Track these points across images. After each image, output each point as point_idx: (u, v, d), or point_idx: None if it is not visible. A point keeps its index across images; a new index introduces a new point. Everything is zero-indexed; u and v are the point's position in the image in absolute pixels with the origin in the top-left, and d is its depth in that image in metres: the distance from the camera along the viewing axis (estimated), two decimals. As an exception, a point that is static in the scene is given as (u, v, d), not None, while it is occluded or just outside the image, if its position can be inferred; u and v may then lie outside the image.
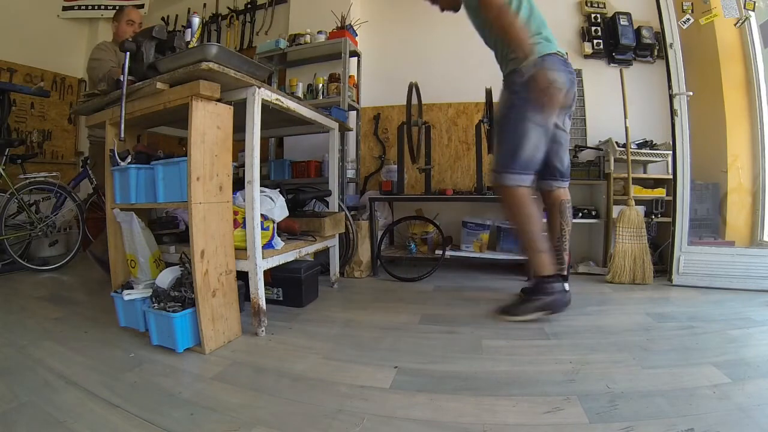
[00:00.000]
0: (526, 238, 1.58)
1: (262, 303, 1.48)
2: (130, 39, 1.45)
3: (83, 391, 1.05)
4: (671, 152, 2.23)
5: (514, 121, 1.55)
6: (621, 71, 2.45)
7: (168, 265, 1.50)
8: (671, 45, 2.17)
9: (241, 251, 1.48)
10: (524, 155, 1.55)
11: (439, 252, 2.45)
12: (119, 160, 1.49)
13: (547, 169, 1.70)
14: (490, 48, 1.72)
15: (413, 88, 2.37)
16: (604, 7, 2.82)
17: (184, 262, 1.40)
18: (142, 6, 3.97)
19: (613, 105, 2.57)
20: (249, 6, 3.65)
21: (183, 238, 1.69)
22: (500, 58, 1.68)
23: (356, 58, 3.02)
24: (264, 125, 1.56)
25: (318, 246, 1.96)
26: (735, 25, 2.28)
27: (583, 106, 2.82)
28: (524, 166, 1.55)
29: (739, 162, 2.38)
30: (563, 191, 1.76)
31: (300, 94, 2.88)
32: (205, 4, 3.84)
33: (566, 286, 1.66)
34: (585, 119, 2.82)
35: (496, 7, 1.47)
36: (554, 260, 1.69)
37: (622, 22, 2.69)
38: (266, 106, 1.57)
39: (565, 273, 1.72)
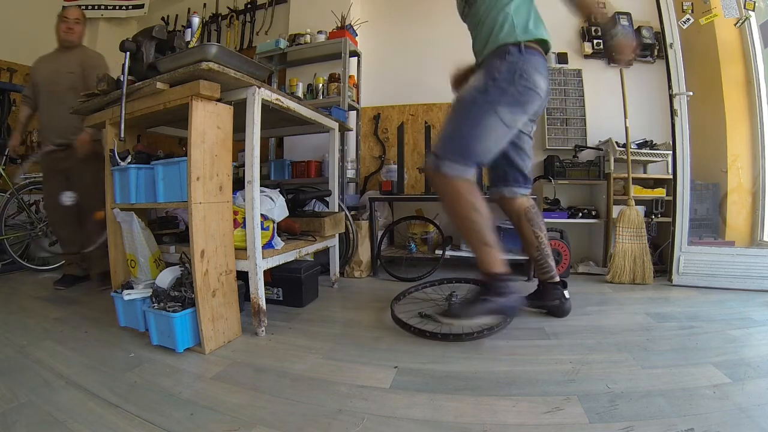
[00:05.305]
0: (468, 227, 1.37)
1: (262, 303, 1.48)
2: (131, 39, 1.46)
3: (83, 391, 1.05)
4: (671, 152, 2.23)
5: (481, 109, 1.35)
6: (621, 71, 2.45)
7: (168, 265, 1.50)
8: (671, 45, 2.17)
9: (241, 251, 1.48)
10: (477, 150, 1.36)
11: (439, 252, 2.45)
12: (119, 160, 1.50)
13: (511, 174, 1.60)
14: (474, 23, 1.52)
15: None
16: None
17: (184, 262, 1.41)
18: (141, 6, 3.97)
19: (613, 105, 2.57)
20: (249, 6, 3.65)
21: (183, 238, 1.69)
22: (485, 34, 1.46)
23: (356, 58, 3.03)
24: (264, 125, 1.56)
25: (318, 246, 1.96)
26: (735, 25, 2.28)
27: (583, 106, 2.82)
28: (471, 160, 1.36)
29: (739, 162, 2.37)
30: (525, 198, 1.63)
31: (300, 94, 2.88)
32: (205, 4, 3.84)
33: (566, 293, 1.62)
34: (585, 119, 2.82)
35: None
36: (542, 270, 1.63)
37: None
38: (266, 106, 1.57)
39: (557, 279, 1.63)
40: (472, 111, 1.36)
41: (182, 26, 3.81)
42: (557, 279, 1.64)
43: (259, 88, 1.47)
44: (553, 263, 1.64)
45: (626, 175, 2.34)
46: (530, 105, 1.40)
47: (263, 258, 1.50)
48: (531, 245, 1.63)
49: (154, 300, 1.36)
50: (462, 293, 1.66)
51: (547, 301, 1.64)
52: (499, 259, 1.39)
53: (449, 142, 1.38)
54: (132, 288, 1.49)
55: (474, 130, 1.35)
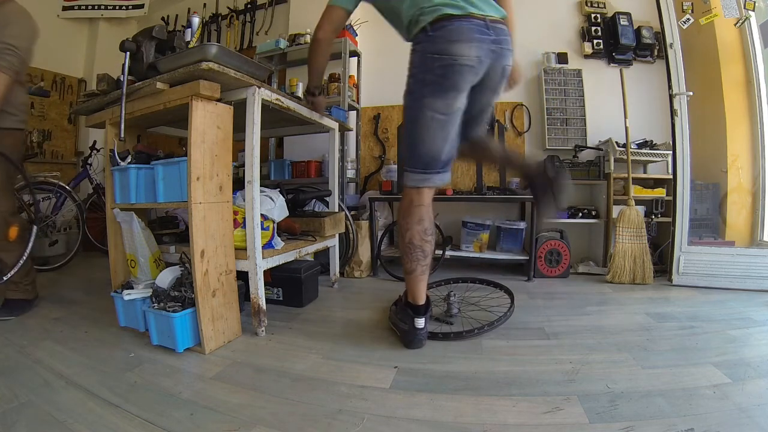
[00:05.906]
0: (401, 250, 1.38)
1: (262, 303, 1.48)
2: (131, 39, 1.45)
3: (83, 391, 1.05)
4: (671, 152, 2.24)
5: (412, 110, 1.30)
6: (621, 71, 2.45)
7: (168, 265, 1.50)
8: (671, 45, 2.17)
9: (241, 251, 1.48)
10: (426, 152, 1.30)
11: (439, 252, 2.45)
12: (119, 160, 1.50)
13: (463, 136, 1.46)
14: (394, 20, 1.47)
15: None
16: (604, 7, 2.82)
17: (184, 262, 1.41)
18: (141, 6, 3.97)
19: (613, 105, 2.57)
20: (249, 6, 3.65)
21: (183, 238, 1.68)
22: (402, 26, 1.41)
23: (356, 58, 3.02)
24: (264, 125, 1.56)
25: (318, 246, 1.96)
26: (735, 25, 2.28)
27: (583, 106, 2.82)
28: (426, 166, 1.31)
29: (739, 162, 2.38)
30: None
31: (300, 94, 2.87)
32: (205, 4, 3.84)
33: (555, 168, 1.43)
34: (585, 119, 2.82)
35: None
36: (512, 165, 1.61)
37: (622, 22, 2.69)
38: (266, 106, 1.57)
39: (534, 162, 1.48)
40: (408, 116, 1.34)
41: (182, 26, 3.80)
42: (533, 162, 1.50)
43: (259, 88, 1.47)
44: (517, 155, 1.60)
45: (626, 175, 2.34)
46: (462, 81, 1.25)
47: (263, 258, 1.50)
48: (493, 158, 1.67)
49: (154, 300, 1.36)
50: (460, 293, 1.66)
51: (539, 189, 1.42)
52: (417, 290, 1.35)
53: (404, 154, 1.39)
54: (132, 288, 1.49)
55: (414, 133, 1.31)
